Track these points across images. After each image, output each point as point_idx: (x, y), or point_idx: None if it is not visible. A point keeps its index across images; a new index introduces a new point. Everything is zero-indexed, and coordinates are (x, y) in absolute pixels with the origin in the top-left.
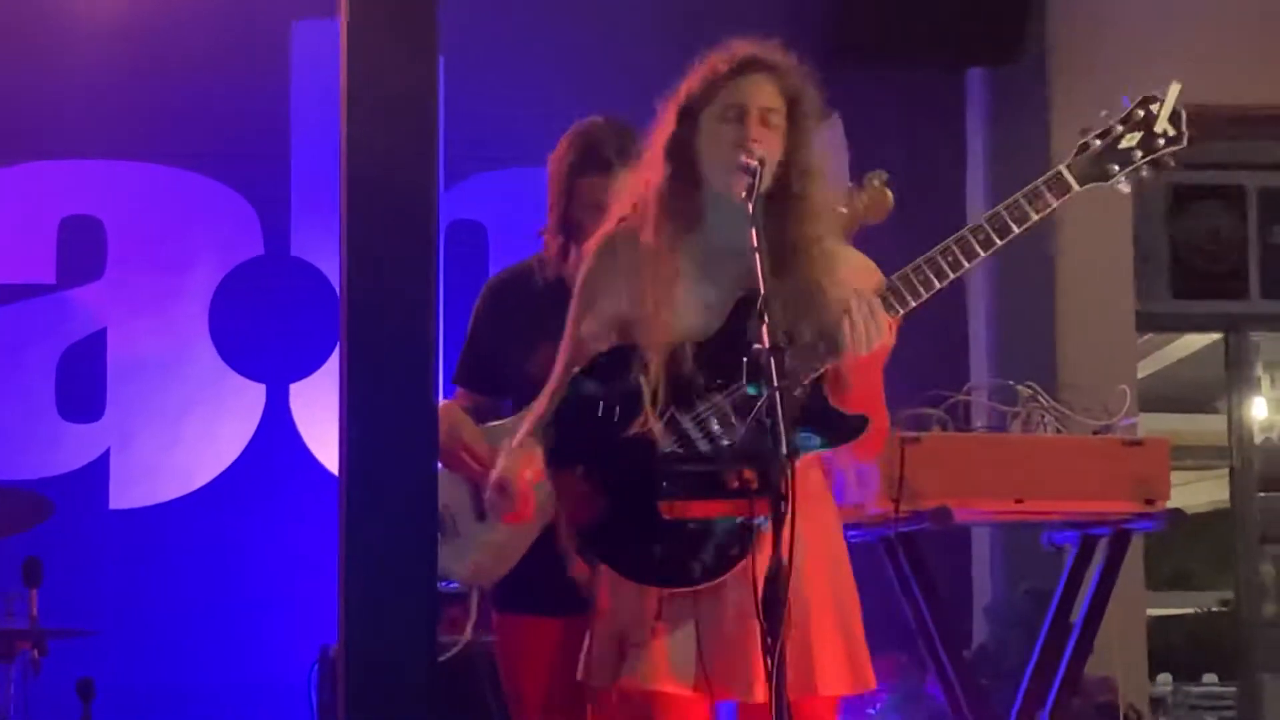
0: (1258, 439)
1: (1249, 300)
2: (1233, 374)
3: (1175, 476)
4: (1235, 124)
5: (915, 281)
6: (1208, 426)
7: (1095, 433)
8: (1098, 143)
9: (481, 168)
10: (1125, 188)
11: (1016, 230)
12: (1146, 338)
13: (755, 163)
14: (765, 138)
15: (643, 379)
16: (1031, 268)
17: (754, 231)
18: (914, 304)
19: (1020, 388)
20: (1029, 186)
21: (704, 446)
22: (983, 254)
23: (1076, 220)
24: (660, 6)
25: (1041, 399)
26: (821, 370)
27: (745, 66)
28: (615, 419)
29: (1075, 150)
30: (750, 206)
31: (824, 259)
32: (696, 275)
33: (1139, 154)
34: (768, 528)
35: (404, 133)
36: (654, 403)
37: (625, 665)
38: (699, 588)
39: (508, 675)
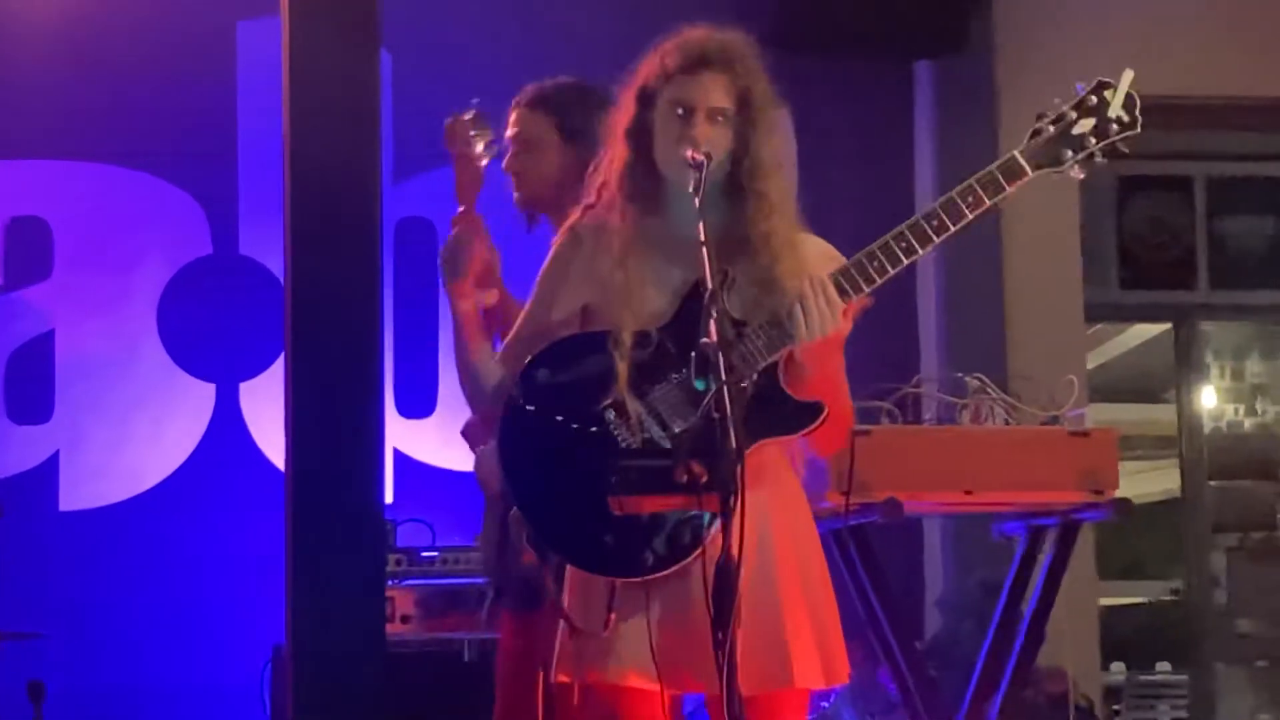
0: (1207, 429)
1: (1197, 290)
2: (1182, 364)
3: (1127, 466)
4: (1182, 114)
5: (869, 267)
6: (1158, 416)
7: (1044, 424)
8: (1051, 128)
9: (431, 165)
10: (1078, 173)
11: (970, 215)
12: (1095, 328)
13: (701, 157)
14: (713, 135)
15: (616, 355)
16: (980, 260)
17: (700, 226)
18: (868, 289)
19: (969, 379)
20: (983, 171)
21: (656, 434)
22: (936, 239)
23: (1024, 212)
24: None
25: (990, 390)
26: (776, 358)
27: (696, 62)
28: (571, 406)
29: (1029, 135)
30: (696, 201)
31: (779, 250)
32: (660, 260)
33: (1092, 140)
34: (717, 525)
35: (346, 128)
36: (626, 383)
37: (586, 660)
38: (654, 578)
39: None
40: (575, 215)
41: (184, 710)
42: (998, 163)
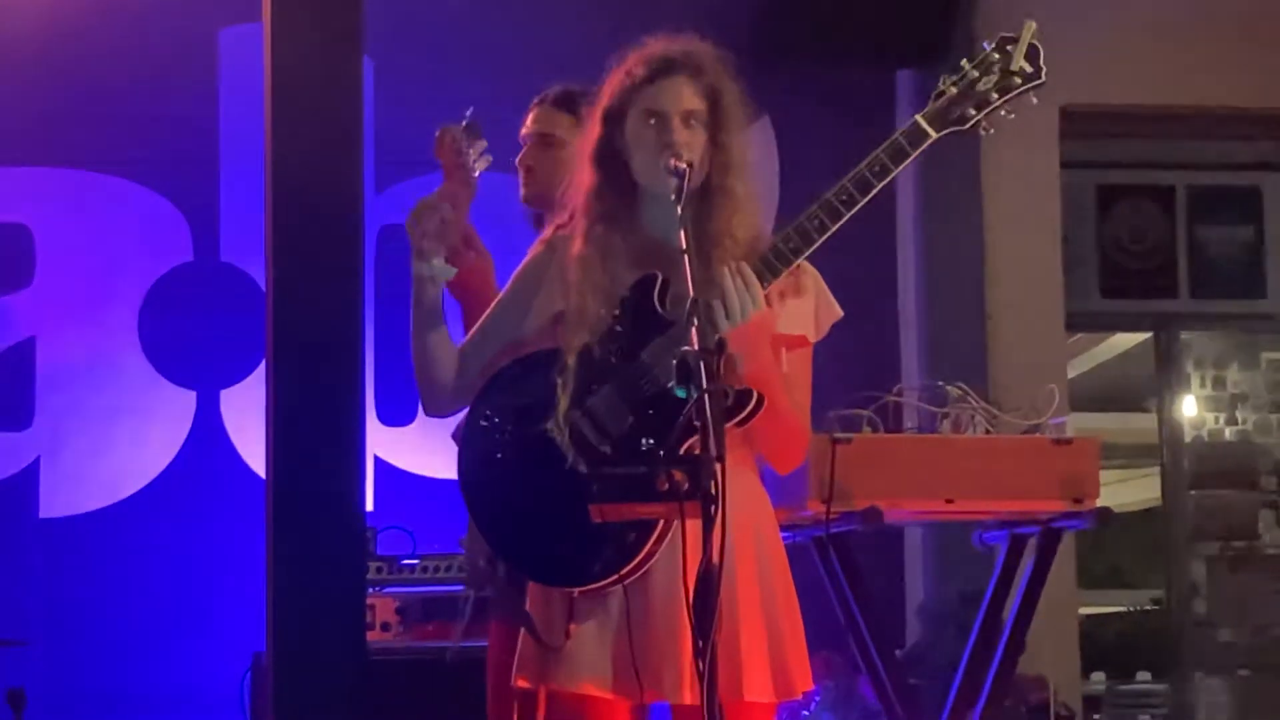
0: (1188, 438)
1: (1178, 299)
2: (1163, 373)
3: (1107, 475)
4: (1163, 123)
5: (784, 249)
6: (1138, 425)
7: (1025, 432)
8: (954, 89)
9: (415, 172)
10: (988, 130)
11: (878, 185)
12: (1076, 337)
13: (684, 165)
14: (688, 138)
15: (559, 380)
16: (961, 268)
17: (682, 233)
18: (785, 270)
19: (950, 388)
20: (888, 140)
21: (595, 438)
22: (846, 213)
23: (1005, 220)
24: (589, 6)
25: (971, 399)
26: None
27: (662, 69)
28: (520, 423)
29: (932, 97)
30: (679, 209)
31: (738, 249)
32: (627, 269)
33: (995, 96)
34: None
35: (328, 135)
36: (564, 399)
37: (548, 667)
38: (610, 584)
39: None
40: (549, 231)
41: (163, 717)
42: (901, 129)
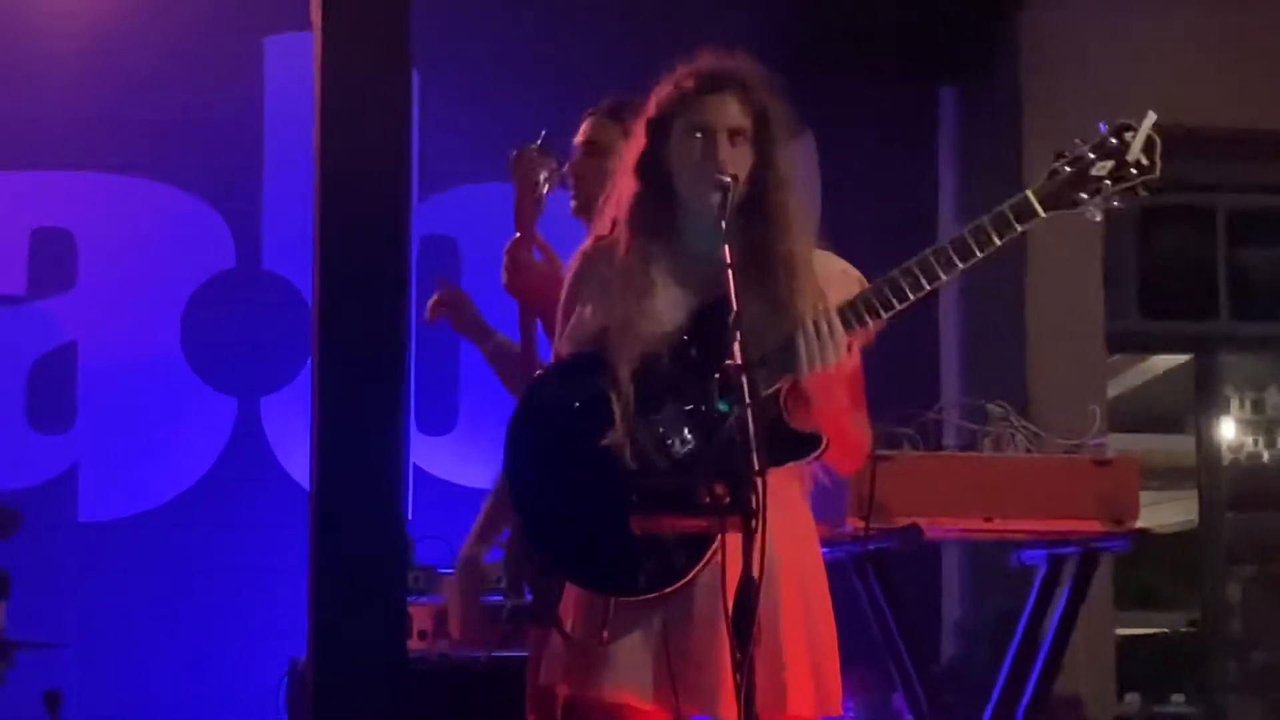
0: (1226, 460)
1: (1218, 321)
2: (1202, 395)
3: (1144, 496)
4: (1206, 144)
5: (875, 301)
6: (1176, 447)
7: (1065, 452)
8: (1068, 169)
9: (455, 182)
10: (1095, 216)
11: (979, 254)
12: (1116, 358)
13: (728, 179)
14: (733, 155)
15: (613, 392)
16: (1002, 287)
17: (726, 249)
18: (872, 323)
19: (991, 407)
20: (995, 210)
21: (658, 458)
22: (944, 277)
23: (1046, 240)
24: (634, 17)
25: (1012, 418)
26: (776, 386)
27: (711, 84)
28: (577, 425)
29: (1045, 175)
30: (723, 224)
31: (797, 270)
32: (671, 284)
33: (1109, 184)
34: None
35: (377, 145)
36: (625, 415)
37: (581, 672)
38: (652, 597)
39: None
40: (587, 243)
41: None
42: (1010, 202)
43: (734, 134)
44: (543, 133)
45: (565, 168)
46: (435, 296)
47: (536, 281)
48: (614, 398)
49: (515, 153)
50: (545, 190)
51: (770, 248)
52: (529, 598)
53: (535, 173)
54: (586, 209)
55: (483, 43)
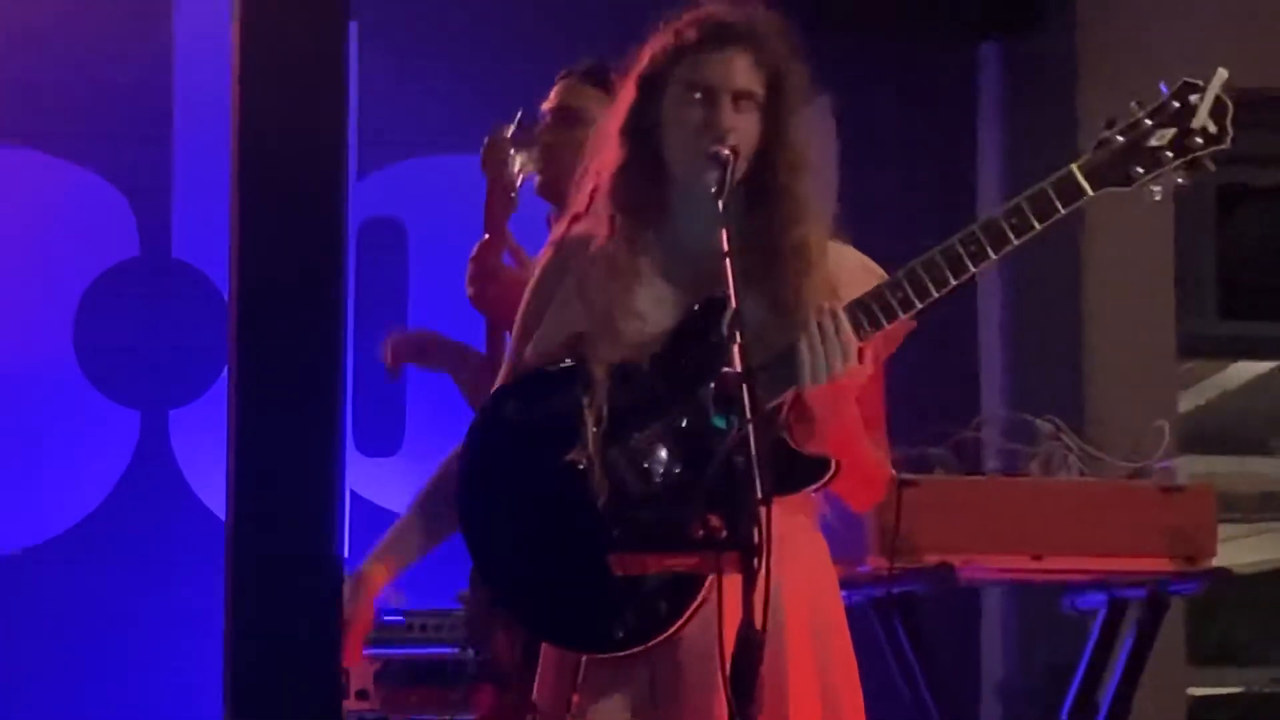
0: None
1: None
2: None
3: (1222, 529)
4: None
5: (892, 298)
6: (1261, 470)
7: (1127, 477)
8: (1120, 139)
9: (400, 155)
10: (1155, 194)
11: (1015, 241)
12: (1189, 366)
13: (727, 152)
14: (739, 123)
15: (585, 403)
16: (1054, 281)
17: (724, 233)
18: (888, 324)
19: (1039, 423)
20: (1032, 189)
21: (635, 484)
22: (974, 268)
23: (1108, 227)
24: None
25: (1064, 436)
26: (779, 400)
27: (717, 38)
28: (543, 448)
29: (1093, 146)
30: (720, 204)
31: (802, 265)
32: (658, 277)
33: (1170, 155)
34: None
35: (308, 110)
36: (596, 428)
37: None
38: (633, 653)
39: None
40: (561, 228)
41: None
42: (1051, 179)
43: (740, 97)
44: (519, 114)
45: (536, 131)
46: (387, 348)
47: (509, 292)
48: (586, 410)
49: (487, 142)
50: (520, 182)
51: (776, 236)
52: (477, 655)
53: (509, 164)
54: (554, 188)
55: None
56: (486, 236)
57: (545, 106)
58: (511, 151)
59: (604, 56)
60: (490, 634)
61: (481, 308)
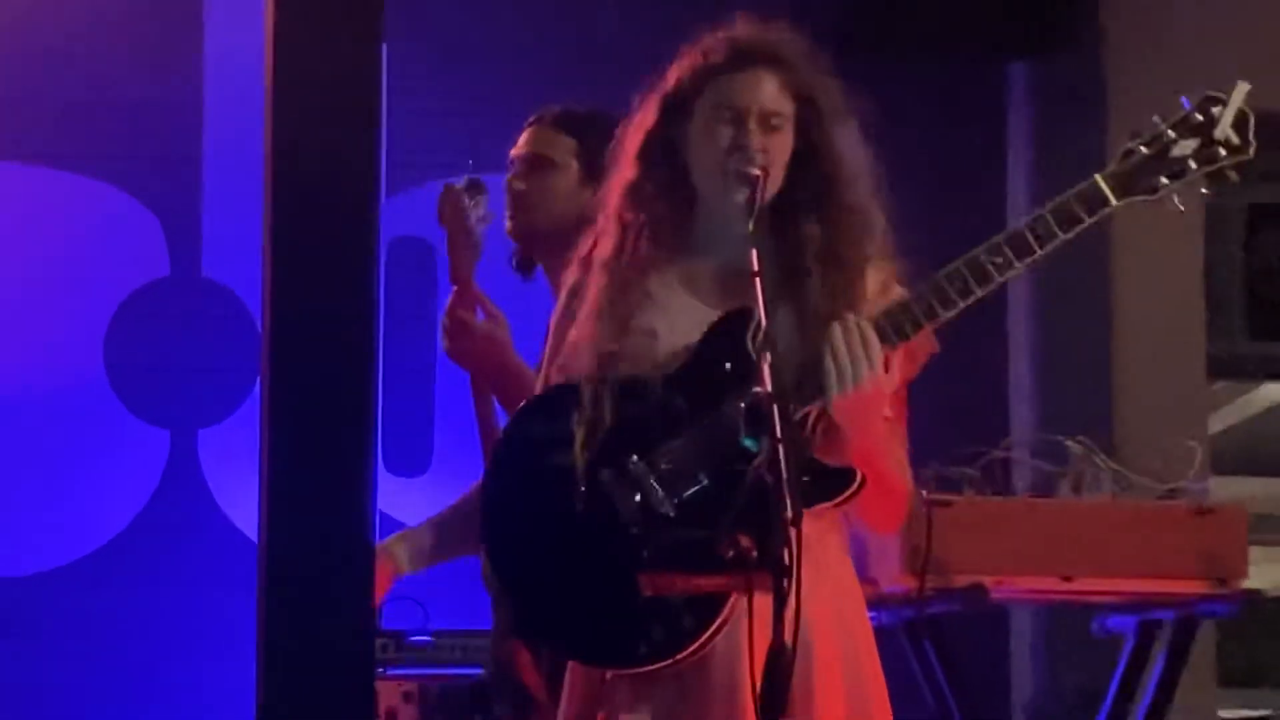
0: None
1: None
2: None
3: (1254, 551)
4: None
5: (915, 308)
6: None
7: (1159, 498)
8: (1144, 150)
9: (431, 175)
10: (1177, 204)
11: (1040, 251)
12: (1220, 386)
13: (757, 172)
14: (768, 144)
15: (574, 417)
16: (1083, 300)
17: (754, 253)
18: (913, 335)
19: (1069, 443)
20: (1058, 199)
21: (658, 503)
22: (998, 278)
23: (1137, 245)
24: None
25: (1095, 457)
26: (803, 413)
27: (744, 58)
28: (560, 468)
29: (1118, 157)
30: (750, 224)
31: (840, 281)
32: (680, 293)
33: (1193, 165)
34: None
35: (341, 132)
36: (584, 448)
37: None
38: (658, 667)
39: None
40: (587, 246)
41: None
42: (1075, 189)
43: (769, 118)
44: (469, 165)
45: (505, 180)
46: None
47: (480, 345)
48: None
49: (441, 195)
50: (480, 231)
51: (818, 254)
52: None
53: (464, 215)
54: (525, 231)
55: (465, 10)
56: (455, 289)
57: (514, 153)
58: (467, 200)
59: (575, 101)
60: (515, 654)
61: (458, 361)
